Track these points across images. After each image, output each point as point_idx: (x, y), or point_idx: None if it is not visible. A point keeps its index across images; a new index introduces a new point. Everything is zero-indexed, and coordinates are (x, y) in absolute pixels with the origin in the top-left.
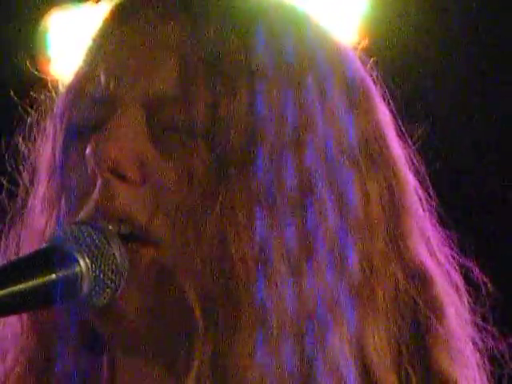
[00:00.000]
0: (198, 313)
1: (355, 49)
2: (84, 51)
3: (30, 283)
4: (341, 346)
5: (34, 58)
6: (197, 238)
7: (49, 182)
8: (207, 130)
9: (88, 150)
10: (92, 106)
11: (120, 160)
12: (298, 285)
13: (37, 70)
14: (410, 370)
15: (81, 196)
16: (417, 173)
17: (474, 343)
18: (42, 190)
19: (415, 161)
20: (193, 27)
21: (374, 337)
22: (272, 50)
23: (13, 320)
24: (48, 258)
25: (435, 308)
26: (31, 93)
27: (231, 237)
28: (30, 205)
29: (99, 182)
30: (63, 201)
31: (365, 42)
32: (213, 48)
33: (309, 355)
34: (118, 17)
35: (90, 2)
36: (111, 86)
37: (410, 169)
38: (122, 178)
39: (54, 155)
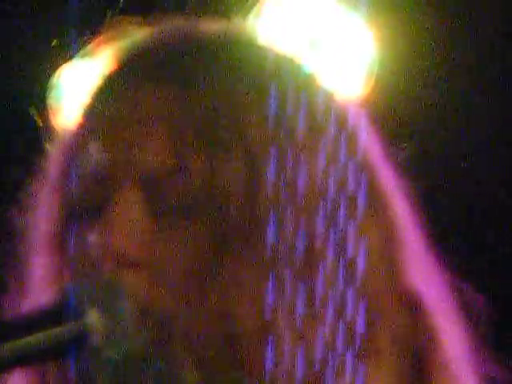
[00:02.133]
0: None
1: (360, 98)
2: (73, 118)
3: (39, 336)
4: None
5: (44, 110)
6: (200, 313)
7: (48, 257)
8: (206, 204)
9: (91, 240)
10: (86, 183)
11: (124, 248)
12: (306, 352)
13: (47, 121)
14: None
15: (83, 275)
16: (409, 199)
17: (474, 369)
18: (40, 264)
19: (406, 188)
20: (183, 95)
21: (378, 382)
22: (265, 115)
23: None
24: (58, 310)
25: (431, 337)
26: (42, 144)
27: (235, 310)
28: (28, 280)
29: (104, 269)
30: (65, 277)
31: (371, 91)
32: (204, 115)
33: None
34: (106, 85)
35: (100, 55)
36: (104, 161)
37: (401, 197)
38: (127, 263)
39: (51, 230)
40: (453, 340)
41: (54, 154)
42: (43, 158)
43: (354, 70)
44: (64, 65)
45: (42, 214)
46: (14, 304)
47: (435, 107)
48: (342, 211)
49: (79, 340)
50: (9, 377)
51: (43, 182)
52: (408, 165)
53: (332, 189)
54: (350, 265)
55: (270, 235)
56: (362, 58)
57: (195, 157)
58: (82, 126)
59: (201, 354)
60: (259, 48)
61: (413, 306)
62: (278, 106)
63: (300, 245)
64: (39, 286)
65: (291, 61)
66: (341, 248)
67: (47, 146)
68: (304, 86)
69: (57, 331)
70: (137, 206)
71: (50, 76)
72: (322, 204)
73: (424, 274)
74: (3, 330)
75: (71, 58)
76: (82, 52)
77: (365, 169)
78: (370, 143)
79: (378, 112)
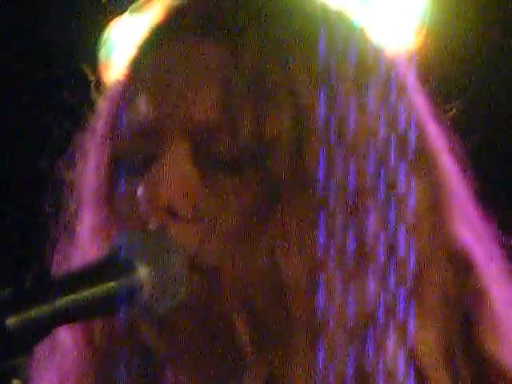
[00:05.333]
0: (247, 343)
1: (412, 50)
2: (121, 72)
3: (90, 291)
4: (398, 350)
5: (95, 64)
6: (248, 266)
7: (96, 211)
8: (253, 156)
9: (139, 193)
10: (134, 136)
11: (173, 200)
12: (356, 301)
13: (98, 75)
14: (461, 363)
15: (132, 229)
16: (456, 154)
17: None
18: (89, 219)
19: (454, 143)
20: (231, 48)
21: (425, 335)
22: (311, 64)
23: (69, 344)
24: (108, 265)
25: (479, 292)
26: (93, 97)
27: (284, 262)
28: (76, 234)
29: (152, 222)
30: (113, 232)
31: (422, 42)
32: (253, 69)
33: (367, 363)
34: (155, 38)
35: (150, 10)
36: (153, 114)
37: (449, 152)
38: (175, 216)
39: (99, 184)
40: (501, 298)
41: (103, 107)
42: (93, 112)
43: (405, 22)
44: (114, 20)
45: (90, 167)
46: (64, 259)
47: (487, 62)
48: (389, 167)
49: (128, 295)
50: (57, 332)
51: (92, 135)
52: (456, 121)
53: (380, 144)
54: (399, 220)
55: (319, 187)
56: (413, 10)
57: (244, 110)
58: (131, 79)
59: (251, 305)
60: (308, 2)
61: (461, 262)
62: (327, 60)
63: (348, 199)
64: (88, 240)
65: (340, 15)
66: (388, 204)
67: (97, 99)
68: (353, 40)
69: (106, 286)
70: (185, 158)
71: (100, 31)
72: (370, 160)
73: (473, 231)
74: (53, 286)
75: (122, 12)
76: (132, 7)
77: (413, 125)
78: (418, 99)
79: (427, 66)
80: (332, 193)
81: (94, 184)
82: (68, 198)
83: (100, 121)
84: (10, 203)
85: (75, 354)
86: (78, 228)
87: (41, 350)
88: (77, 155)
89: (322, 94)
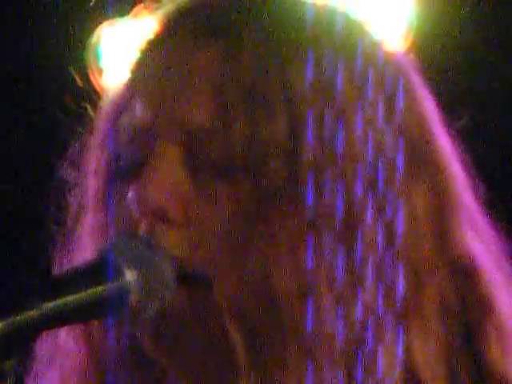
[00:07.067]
0: (241, 351)
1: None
2: (119, 76)
3: (78, 295)
4: (389, 368)
5: (85, 70)
6: (239, 272)
7: (95, 214)
8: (246, 162)
9: (130, 196)
10: (130, 140)
11: (163, 204)
12: (346, 315)
13: (88, 81)
14: (463, 376)
15: (122, 233)
16: (463, 161)
17: None
18: (88, 221)
19: (460, 149)
20: (228, 54)
21: (423, 348)
22: (311, 73)
23: (70, 344)
24: (96, 269)
25: (483, 302)
26: (82, 104)
27: (275, 270)
28: (77, 235)
29: (143, 226)
30: (110, 235)
31: (411, 45)
32: (249, 75)
33: (361, 370)
34: (151, 43)
35: (140, 15)
36: (146, 117)
37: (455, 158)
38: (166, 221)
39: (98, 187)
40: (507, 307)
41: (102, 109)
42: (86, 117)
43: (393, 25)
44: (102, 24)
45: (90, 169)
46: (65, 261)
47: (475, 66)
48: (386, 174)
49: (116, 298)
50: (59, 332)
51: (92, 138)
52: (462, 130)
53: (379, 147)
54: (393, 228)
55: (310, 197)
56: (401, 14)
57: (237, 116)
58: (127, 83)
59: (242, 312)
60: (306, 8)
61: (464, 270)
62: (325, 67)
63: (340, 208)
64: (88, 243)
65: (341, 21)
66: (387, 211)
67: (88, 105)
68: (354, 46)
69: (93, 290)
70: (177, 162)
71: (88, 36)
72: (363, 167)
73: (479, 238)
74: (41, 290)
75: (109, 17)
76: (120, 11)
77: (416, 128)
78: (424, 99)
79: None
80: (324, 215)
81: (93, 186)
82: (69, 200)
83: (99, 123)
84: (11, 203)
85: (76, 354)
86: (79, 230)
87: (42, 349)
88: (78, 157)
89: (318, 101)
